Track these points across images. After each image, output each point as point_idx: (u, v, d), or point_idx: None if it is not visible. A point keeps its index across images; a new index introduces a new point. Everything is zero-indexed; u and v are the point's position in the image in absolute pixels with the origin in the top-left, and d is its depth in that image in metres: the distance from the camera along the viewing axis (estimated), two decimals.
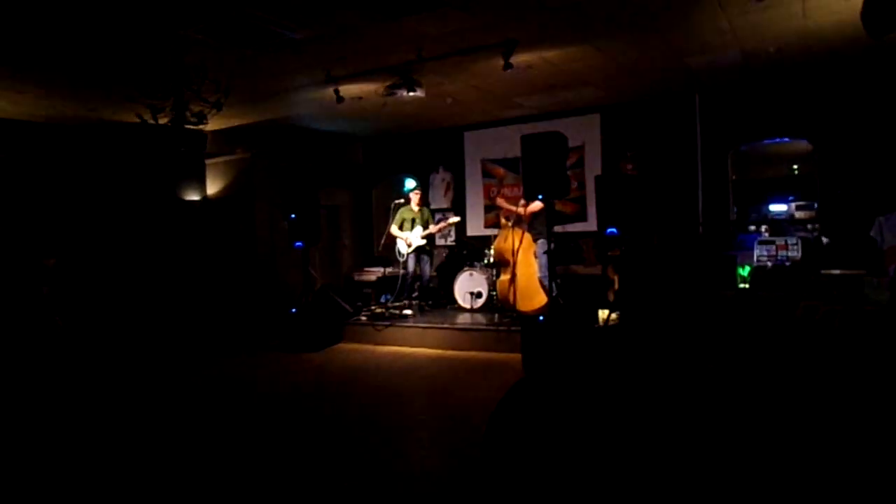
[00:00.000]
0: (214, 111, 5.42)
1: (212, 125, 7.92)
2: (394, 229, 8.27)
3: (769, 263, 7.10)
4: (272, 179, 8.94)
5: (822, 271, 6.35)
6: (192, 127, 5.66)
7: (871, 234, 5.70)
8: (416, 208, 8.36)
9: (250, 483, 3.32)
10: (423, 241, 8.28)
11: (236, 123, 8.71)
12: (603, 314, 6.43)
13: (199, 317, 8.44)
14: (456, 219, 8.90)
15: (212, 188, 9.39)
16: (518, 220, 7.24)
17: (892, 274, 5.04)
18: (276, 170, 8.97)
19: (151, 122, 5.33)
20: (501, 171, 9.61)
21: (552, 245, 6.30)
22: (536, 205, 6.89)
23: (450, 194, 10.19)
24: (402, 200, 8.43)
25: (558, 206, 8.53)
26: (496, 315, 7.40)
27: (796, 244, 7.13)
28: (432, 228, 8.43)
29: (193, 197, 9.05)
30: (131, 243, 8.42)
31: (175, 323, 8.19)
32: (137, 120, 5.59)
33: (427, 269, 8.60)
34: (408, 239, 8.22)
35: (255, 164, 9.12)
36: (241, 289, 8.93)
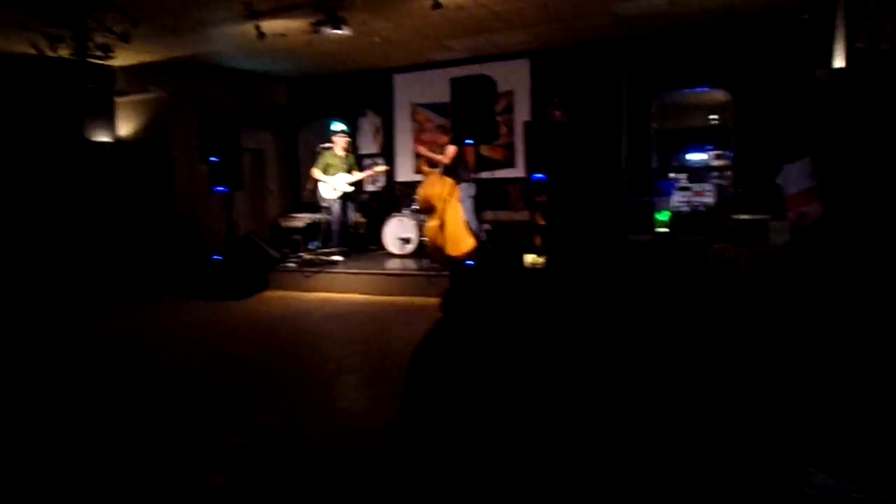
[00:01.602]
0: (122, 43, 5.01)
1: (120, 60, 7.36)
2: (317, 172, 8.07)
3: (686, 209, 7.46)
4: (190, 121, 8.43)
5: (733, 216, 6.73)
6: (97, 61, 5.21)
7: (777, 181, 6.05)
8: (341, 153, 8.15)
9: (169, 428, 3.26)
10: (349, 188, 8.14)
11: (148, 59, 8.13)
12: (529, 258, 6.59)
13: (115, 266, 8.04)
14: (383, 168, 8.86)
15: (124, 129, 8.79)
16: (443, 167, 7.27)
17: (793, 218, 5.39)
18: (194, 110, 8.48)
19: (50, 53, 4.87)
20: (424, 116, 9.49)
21: (477, 190, 6.36)
22: (453, 149, 6.93)
23: (379, 139, 10.00)
24: (328, 145, 8.22)
25: (488, 152, 8.57)
26: (425, 260, 7.45)
27: (711, 191, 7.50)
28: (358, 175, 8.30)
29: (104, 138, 8.45)
30: (32, 187, 7.83)
31: (90, 273, 7.77)
32: (34, 52, 5.10)
33: (352, 216, 8.50)
34: (333, 183, 8.05)
35: (170, 104, 8.59)
36: (160, 236, 8.53)
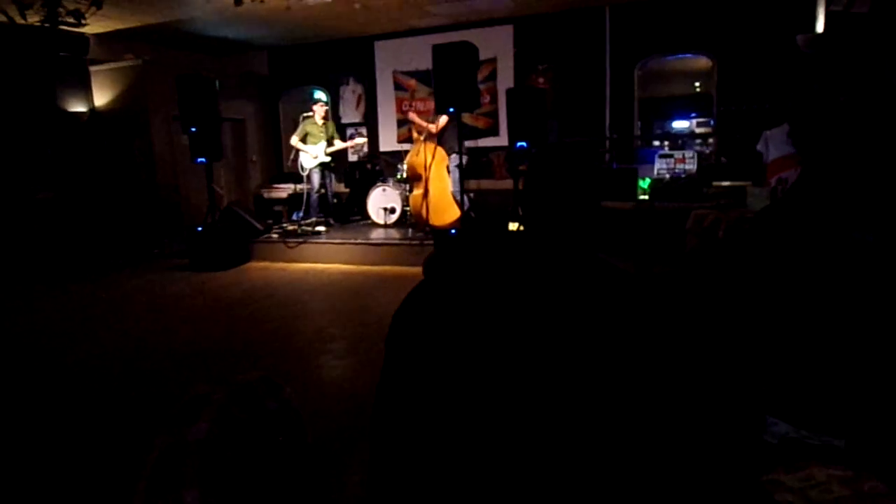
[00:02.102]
0: (93, 9, 4.88)
1: (94, 27, 7.16)
2: (295, 140, 8.00)
3: (667, 176, 7.50)
4: (168, 90, 8.27)
5: (714, 183, 6.79)
6: (69, 28, 5.08)
7: (758, 147, 6.09)
8: (320, 122, 8.06)
9: (153, 388, 3.29)
10: (328, 158, 8.09)
11: (122, 26, 7.92)
12: (513, 226, 6.62)
13: (96, 238, 7.95)
14: (362, 140, 8.85)
15: (100, 99, 8.61)
16: (430, 135, 7.23)
17: (772, 185, 5.46)
18: (172, 79, 8.31)
19: (20, 20, 4.73)
20: (413, 83, 9.39)
21: (464, 159, 6.34)
22: (445, 119, 6.89)
23: (361, 107, 9.89)
24: (309, 114, 8.13)
25: (471, 121, 8.52)
26: (409, 230, 7.45)
27: (693, 158, 7.53)
28: (338, 145, 8.24)
29: (79, 108, 8.27)
30: (9, 158, 7.67)
31: (69, 245, 7.68)
32: (3, 19, 4.95)
33: (332, 186, 8.46)
34: (311, 152, 7.98)
35: (147, 73, 8.41)
36: (141, 208, 8.44)
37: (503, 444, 0.95)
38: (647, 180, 7.21)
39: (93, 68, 8.35)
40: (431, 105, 7.38)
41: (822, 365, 1.15)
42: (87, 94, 8.34)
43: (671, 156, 7.69)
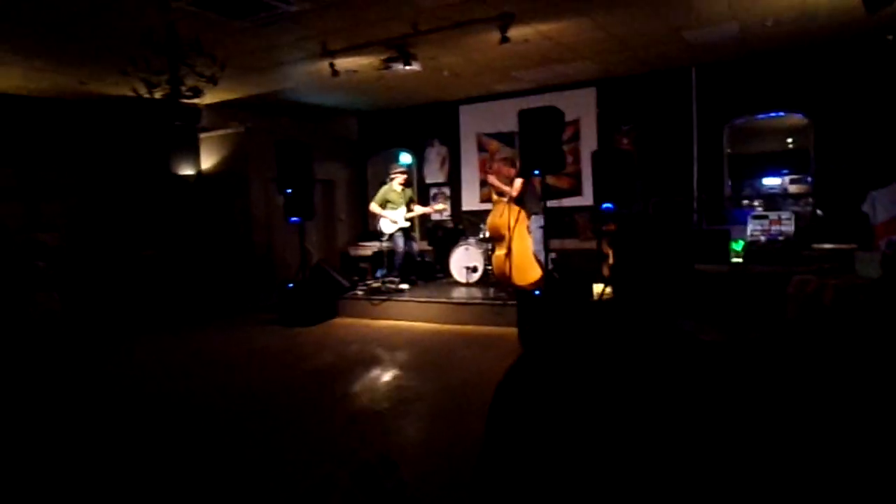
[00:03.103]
0: (210, 85, 5.39)
1: (206, 99, 7.86)
2: (374, 206, 8.27)
3: (762, 238, 7.19)
4: (267, 154, 8.89)
5: (814, 246, 6.44)
6: (186, 101, 5.63)
7: (863, 208, 5.76)
8: (398, 189, 8.31)
9: (246, 460, 3.41)
10: (407, 224, 8.31)
11: (231, 97, 8.65)
12: (598, 288, 6.52)
13: (195, 293, 8.48)
14: (441, 206, 8.98)
15: (206, 163, 9.36)
16: (511, 198, 7.37)
17: (883, 248, 5.12)
18: (270, 144, 8.94)
19: (146, 96, 5.30)
20: (495, 144, 9.61)
21: (545, 220, 6.38)
22: (520, 181, 7.06)
23: (445, 168, 10.19)
24: (394, 176, 8.37)
25: (554, 181, 8.58)
26: (491, 289, 7.48)
27: (790, 219, 7.20)
28: (418, 210, 8.47)
29: (187, 171, 9.02)
30: (125, 218, 8.42)
31: (171, 299, 8.24)
32: (132, 94, 5.55)
33: (415, 246, 8.66)
34: (391, 217, 8.23)
35: (249, 138, 9.08)
36: (237, 265, 8.96)
37: None
38: (741, 242, 6.95)
39: (202, 135, 9.13)
40: (506, 169, 7.54)
41: None
42: (196, 159, 9.09)
43: (766, 217, 7.39)
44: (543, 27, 6.12)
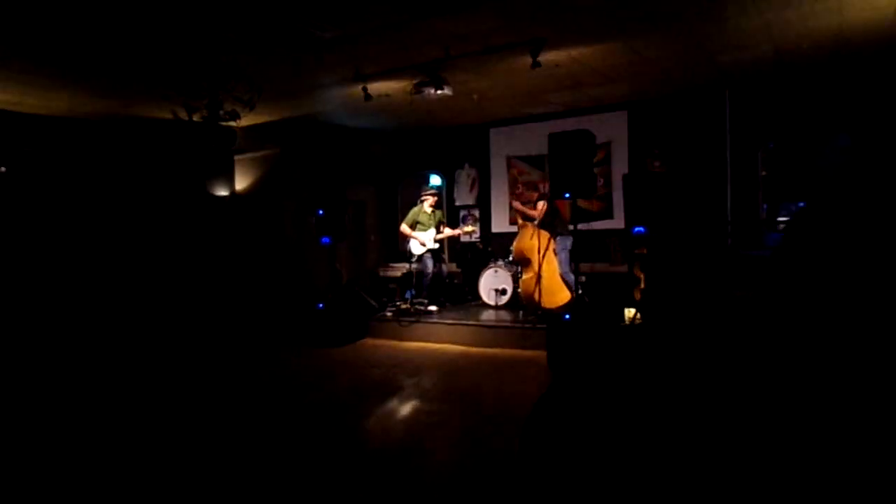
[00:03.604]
0: (247, 109, 5.56)
1: (243, 122, 8.08)
2: (404, 227, 8.38)
3: None
4: (299, 175, 9.09)
5: None
6: (224, 123, 5.81)
7: None
8: (429, 210, 8.42)
9: (249, 478, 3.43)
10: (436, 245, 8.38)
11: (265, 120, 8.86)
12: (629, 313, 6.44)
13: (229, 311, 8.63)
14: (470, 228, 9.03)
15: (240, 184, 9.58)
16: (536, 221, 7.41)
17: None
18: (303, 166, 9.11)
19: (186, 119, 5.48)
20: (523, 167, 9.63)
21: (569, 242, 6.37)
22: (542, 204, 7.11)
23: (475, 191, 10.24)
24: (425, 197, 8.48)
25: (584, 204, 8.55)
26: (520, 312, 7.45)
27: None
28: (447, 232, 8.55)
29: (222, 192, 9.25)
30: (162, 238, 8.64)
31: (206, 318, 8.39)
32: (171, 117, 5.75)
33: (444, 268, 8.72)
34: (421, 239, 8.30)
35: (282, 160, 9.28)
36: (269, 284, 9.10)
37: None
38: None
39: (236, 157, 9.36)
40: (532, 191, 7.59)
41: None
42: (231, 180, 9.32)
43: None
44: (575, 52, 6.16)
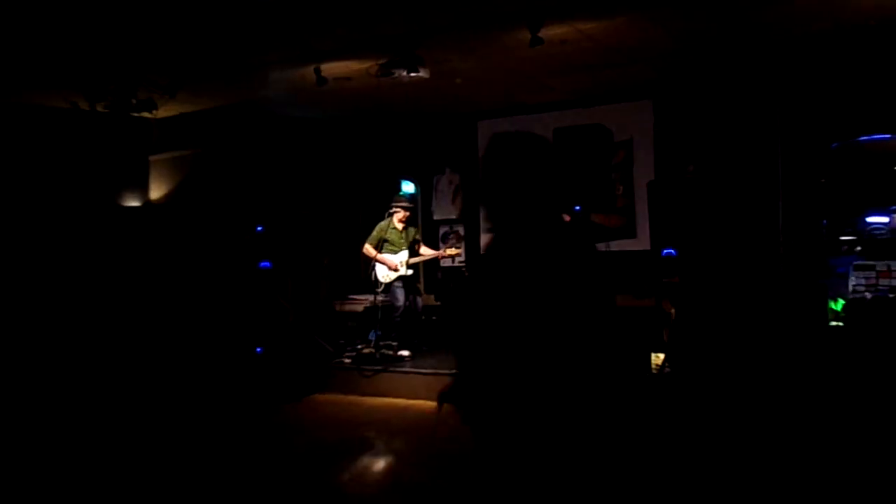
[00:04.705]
0: (166, 97, 5.47)
1: (159, 112, 8.01)
2: (368, 248, 8.31)
3: (868, 294, 7.07)
4: (232, 181, 8.96)
5: None
6: (135, 115, 5.71)
7: None
8: (399, 226, 8.33)
9: None
10: (410, 271, 8.31)
11: (189, 109, 8.76)
12: (656, 359, 6.43)
13: (133, 357, 8.42)
14: (452, 250, 8.86)
15: (156, 191, 9.45)
16: None
17: None
18: (237, 168, 8.98)
19: (87, 109, 5.38)
20: None
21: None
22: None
23: (458, 201, 10.17)
24: (394, 210, 8.36)
25: (599, 219, 8.56)
26: None
27: None
28: (425, 253, 8.45)
29: (133, 202, 9.11)
30: (52, 261, 8.43)
31: (106, 364, 8.18)
32: (67, 106, 5.64)
33: (419, 300, 8.64)
34: (389, 262, 8.22)
35: (211, 161, 9.17)
36: (191, 321, 8.92)
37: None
38: (840, 302, 6.86)
39: (151, 157, 9.25)
40: None
41: None
42: (144, 186, 9.19)
43: (872, 267, 7.31)
44: (584, 25, 6.18)
